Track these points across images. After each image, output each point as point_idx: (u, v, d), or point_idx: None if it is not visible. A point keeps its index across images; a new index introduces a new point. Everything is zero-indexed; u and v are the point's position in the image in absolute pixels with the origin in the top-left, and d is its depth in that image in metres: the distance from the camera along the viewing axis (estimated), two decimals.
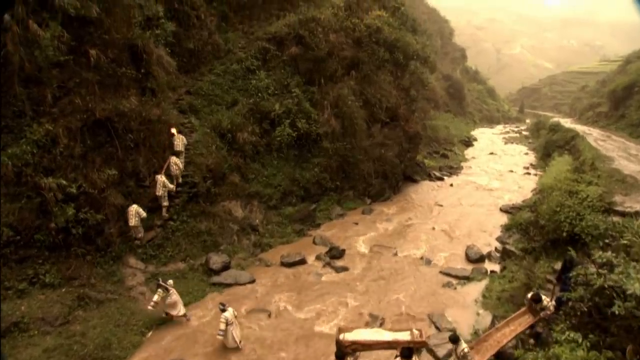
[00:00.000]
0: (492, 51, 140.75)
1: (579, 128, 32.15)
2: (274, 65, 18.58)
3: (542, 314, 8.59)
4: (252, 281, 12.55)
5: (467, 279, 12.98)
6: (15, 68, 10.09)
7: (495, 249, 15.17)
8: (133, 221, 11.75)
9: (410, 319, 10.75)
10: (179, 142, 13.76)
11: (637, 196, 12.00)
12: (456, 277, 13.08)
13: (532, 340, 8.82)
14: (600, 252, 7.27)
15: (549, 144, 30.57)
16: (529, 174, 28.16)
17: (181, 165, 13.60)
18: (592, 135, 27.41)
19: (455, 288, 12.48)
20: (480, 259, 14.39)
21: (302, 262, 13.90)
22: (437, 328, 10.29)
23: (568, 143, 26.47)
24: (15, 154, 9.94)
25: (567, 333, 6.71)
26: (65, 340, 8.99)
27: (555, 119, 43.07)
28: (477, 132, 50.06)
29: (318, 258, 14.22)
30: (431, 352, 9.24)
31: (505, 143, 44.18)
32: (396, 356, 7.54)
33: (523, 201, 19.90)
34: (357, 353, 7.80)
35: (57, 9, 10.52)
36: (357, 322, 10.47)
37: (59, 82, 11.01)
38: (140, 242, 12.28)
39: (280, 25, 19.12)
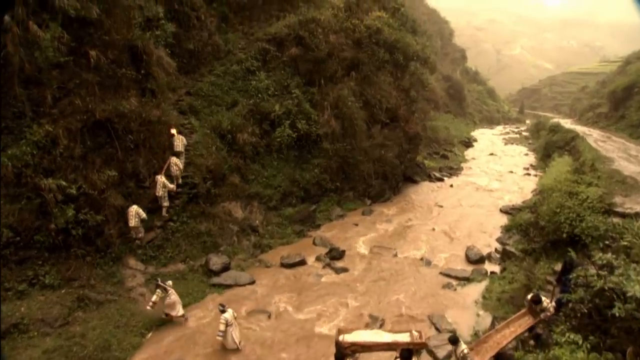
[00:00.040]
0: (492, 52, 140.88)
1: (579, 129, 32.19)
2: (274, 66, 18.59)
3: (542, 316, 8.59)
4: (252, 282, 12.54)
5: (467, 280, 12.97)
6: (15, 69, 10.09)
7: (495, 250, 15.16)
8: (133, 222, 11.74)
9: (410, 320, 10.74)
10: (179, 142, 13.76)
11: (637, 197, 11.99)
12: (456, 278, 13.08)
13: (532, 342, 8.81)
14: (601, 254, 7.27)
15: (549, 145, 30.59)
16: (529, 174, 28.16)
17: (181, 166, 13.60)
18: (592, 136, 27.45)
19: (455, 289, 12.47)
20: (480, 260, 14.38)
21: (302, 263, 13.89)
22: (437, 329, 10.28)
23: (568, 144, 26.49)
24: (15, 155, 9.93)
25: (567, 335, 6.71)
26: (65, 342, 8.97)
27: (555, 120, 43.12)
28: (477, 133, 50.07)
29: (318, 259, 14.21)
30: (431, 353, 9.23)
31: (505, 144, 44.20)
32: (396, 358, 7.53)
33: (523, 202, 19.89)
34: (357, 354, 7.80)
35: (57, 10, 10.53)
36: (357, 323, 10.46)
37: (59, 83, 11.02)
38: (140, 242, 12.27)
39: (280, 26, 19.14)
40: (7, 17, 9.59)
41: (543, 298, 8.67)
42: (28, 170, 10.10)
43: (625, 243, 8.56)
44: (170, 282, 10.45)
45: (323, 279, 13.03)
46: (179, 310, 10.28)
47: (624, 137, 27.07)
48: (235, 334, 9.34)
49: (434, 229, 17.53)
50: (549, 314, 8.49)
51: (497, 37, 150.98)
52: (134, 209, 11.77)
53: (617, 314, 5.95)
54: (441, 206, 20.82)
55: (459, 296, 12.06)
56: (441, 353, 9.11)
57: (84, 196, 10.86)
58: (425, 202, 21.69)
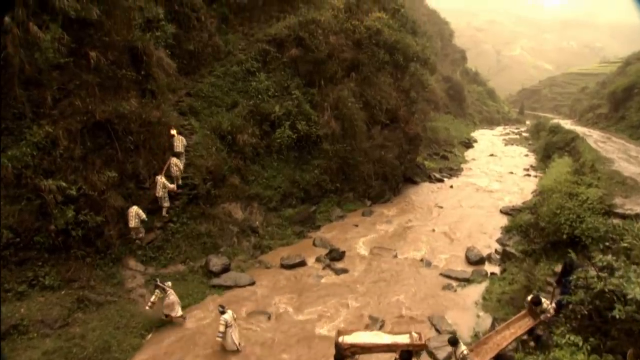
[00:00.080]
0: (492, 53, 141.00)
1: (579, 129, 32.21)
2: (274, 67, 18.60)
3: (542, 317, 8.58)
4: (252, 283, 12.54)
5: (467, 281, 12.96)
6: (15, 70, 10.09)
7: (496, 251, 15.14)
8: (133, 223, 11.75)
9: (411, 321, 10.73)
10: (179, 143, 13.76)
11: (638, 198, 11.99)
12: (456, 279, 13.06)
13: (532, 343, 8.80)
14: (601, 256, 7.27)
15: (549, 146, 30.61)
16: (529, 175, 28.16)
17: (181, 167, 13.60)
18: (592, 136, 27.46)
19: (455, 290, 12.46)
20: (481, 261, 14.37)
21: (302, 264, 13.88)
22: (437, 330, 10.27)
23: (568, 145, 26.50)
24: (15, 156, 9.92)
25: (567, 336, 6.71)
26: (65, 343, 8.96)
27: (555, 121, 43.15)
28: (477, 134, 50.10)
29: (318, 260, 14.20)
30: (431, 354, 9.22)
31: (505, 144, 44.22)
32: (395, 359, 7.53)
33: (523, 203, 19.88)
34: (357, 356, 7.78)
35: (58, 11, 10.53)
36: (357, 324, 10.45)
37: (59, 84, 11.01)
38: (140, 243, 12.28)
39: (281, 27, 19.15)
40: (7, 19, 9.59)
41: (543, 299, 8.67)
42: (28, 171, 10.10)
43: (626, 244, 8.56)
44: (169, 283, 10.45)
45: (323, 280, 13.03)
46: (178, 311, 10.27)
47: (624, 138, 27.09)
48: (234, 335, 9.34)
49: (434, 230, 17.52)
50: (549, 315, 8.48)
51: (497, 38, 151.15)
52: (134, 209, 11.78)
53: (617, 316, 5.94)
54: (441, 207, 20.82)
55: (459, 297, 12.05)
56: (441, 354, 9.10)
57: (84, 197, 10.85)
58: (426, 203, 21.68)
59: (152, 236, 12.59)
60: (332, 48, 19.25)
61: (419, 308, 11.39)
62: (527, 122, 66.96)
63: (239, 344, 9.40)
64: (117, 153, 12.01)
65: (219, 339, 9.23)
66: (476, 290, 12.31)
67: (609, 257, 7.08)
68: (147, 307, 10.18)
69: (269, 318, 10.83)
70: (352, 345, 7.54)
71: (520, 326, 8.76)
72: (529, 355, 7.53)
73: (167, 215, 13.06)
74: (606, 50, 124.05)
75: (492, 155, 36.67)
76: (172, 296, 10.16)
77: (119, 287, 11.11)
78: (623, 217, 10.86)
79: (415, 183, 24.78)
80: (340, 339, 7.61)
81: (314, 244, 15.57)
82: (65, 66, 10.96)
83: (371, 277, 13.24)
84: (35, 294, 9.81)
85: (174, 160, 13.36)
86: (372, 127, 21.07)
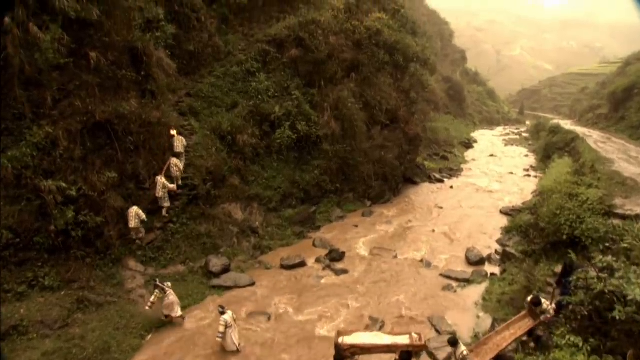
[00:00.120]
0: (492, 53, 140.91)
1: (579, 130, 32.19)
2: (274, 67, 18.60)
3: (542, 318, 8.57)
4: (252, 284, 12.53)
5: (467, 281, 12.95)
6: (15, 71, 10.10)
7: (496, 251, 15.14)
8: (133, 223, 11.75)
9: (411, 322, 10.73)
10: (179, 143, 13.76)
11: (638, 199, 11.99)
12: (456, 279, 13.06)
13: (532, 344, 8.80)
14: (601, 256, 7.27)
15: (549, 146, 30.61)
16: (529, 176, 28.16)
17: (181, 167, 13.60)
18: (592, 137, 27.45)
19: (455, 291, 12.45)
20: (481, 261, 14.36)
21: (302, 264, 13.88)
22: (437, 331, 10.26)
23: (568, 145, 26.49)
24: (15, 156, 9.93)
25: (567, 337, 6.71)
26: (65, 344, 8.95)
27: (555, 121, 43.14)
28: (477, 134, 50.09)
29: (318, 260, 14.20)
30: (431, 355, 9.22)
31: (506, 145, 44.22)
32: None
33: (523, 203, 19.88)
34: (356, 357, 7.77)
35: (58, 11, 10.52)
36: (357, 324, 10.45)
37: (59, 84, 11.01)
38: (141, 242, 12.29)
39: (281, 27, 19.15)
40: (7, 19, 9.60)
41: (543, 300, 8.66)
42: (28, 171, 10.10)
43: (626, 245, 8.56)
44: (169, 284, 10.46)
45: (323, 281, 13.03)
46: (178, 311, 10.28)
47: (624, 139, 27.08)
48: (234, 335, 9.34)
49: (434, 231, 17.52)
50: (549, 316, 8.48)
51: (497, 38, 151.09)
52: (134, 210, 11.79)
53: (617, 317, 5.94)
54: (441, 207, 20.81)
55: (459, 298, 12.05)
56: (441, 355, 9.10)
57: (84, 198, 10.85)
58: (426, 203, 21.68)
59: (152, 237, 12.59)
60: (332, 48, 19.25)
61: (419, 309, 11.39)
62: (527, 123, 66.94)
63: (239, 345, 9.40)
64: (117, 154, 12.01)
65: (219, 340, 9.24)
66: (476, 291, 12.31)
67: (609, 258, 7.08)
68: (146, 307, 10.21)
69: (269, 319, 10.83)
70: (352, 346, 7.53)
71: (520, 327, 8.75)
72: (529, 356, 7.53)
73: (167, 215, 13.06)
74: (606, 51, 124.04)
75: (492, 155, 36.67)
76: (172, 296, 10.17)
77: (118, 288, 11.11)
78: (623, 217, 10.86)
79: (415, 183, 24.78)
80: (340, 340, 7.60)
81: (314, 245, 15.57)
82: (65, 67, 10.96)
83: (371, 277, 13.23)
84: (35, 294, 9.80)
85: (174, 160, 13.37)
86: (372, 127, 21.06)
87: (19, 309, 9.29)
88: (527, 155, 36.91)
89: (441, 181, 26.25)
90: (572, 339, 6.59)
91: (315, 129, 18.14)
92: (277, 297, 11.87)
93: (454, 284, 12.82)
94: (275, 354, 9.43)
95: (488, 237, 16.83)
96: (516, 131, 56.60)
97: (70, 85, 11.20)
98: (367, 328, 10.18)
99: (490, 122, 65.28)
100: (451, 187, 25.12)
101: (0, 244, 9.61)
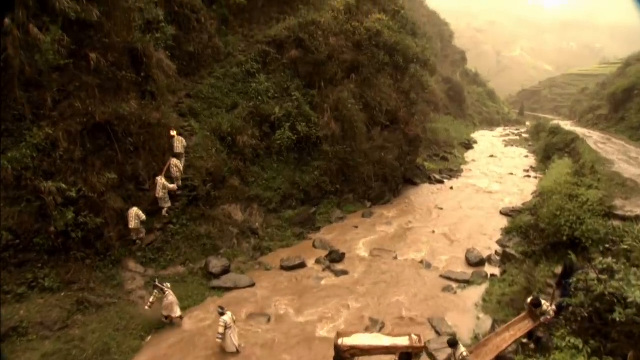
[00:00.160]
0: (492, 54, 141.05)
1: (579, 131, 32.21)
2: (274, 68, 18.60)
3: (542, 319, 8.55)
4: (252, 285, 12.53)
5: (467, 282, 12.94)
6: (15, 72, 10.09)
7: (496, 252, 15.13)
8: (133, 224, 11.76)
9: (411, 323, 10.72)
10: (179, 144, 13.76)
11: (638, 200, 11.98)
12: (456, 280, 13.05)
13: (532, 345, 8.79)
14: (601, 258, 7.27)
15: (549, 147, 30.60)
16: (529, 176, 28.16)
17: (181, 167, 13.60)
18: (592, 138, 27.45)
19: (455, 292, 12.44)
20: (481, 262, 14.35)
21: (302, 265, 13.88)
22: (437, 332, 10.25)
23: (568, 146, 26.49)
24: (15, 157, 9.92)
25: (567, 339, 6.70)
26: (64, 345, 8.94)
27: (555, 122, 43.19)
28: (477, 135, 50.11)
29: (318, 262, 14.19)
30: (431, 356, 9.21)
31: (506, 146, 44.23)
32: None
33: (523, 204, 19.87)
34: (356, 358, 7.77)
35: (58, 12, 10.53)
36: (357, 326, 10.44)
37: (59, 85, 11.00)
38: (141, 242, 12.30)
39: (280, 28, 19.16)
40: (7, 20, 9.59)
41: (543, 301, 8.64)
42: (28, 173, 10.09)
43: (626, 247, 8.55)
44: (168, 284, 10.45)
45: (323, 282, 13.02)
46: (177, 311, 10.28)
47: (624, 139, 27.08)
48: (234, 336, 9.34)
49: (434, 232, 17.51)
50: (549, 317, 8.46)
51: (497, 39, 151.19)
52: (134, 210, 11.80)
53: (617, 319, 5.93)
54: (441, 208, 20.81)
55: (459, 299, 12.04)
56: (441, 356, 9.08)
57: (84, 199, 10.85)
58: (425, 204, 21.68)
59: (151, 238, 12.60)
60: (332, 49, 19.25)
61: (419, 310, 11.38)
62: (527, 123, 66.98)
63: (239, 346, 9.40)
64: (117, 155, 12.01)
65: (219, 341, 9.25)
66: (476, 292, 12.30)
67: (609, 259, 7.09)
68: (146, 307, 10.23)
69: (269, 320, 10.83)
70: (352, 348, 7.53)
71: (520, 328, 8.73)
72: (529, 357, 7.54)
73: (167, 215, 13.08)
74: (606, 51, 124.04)
75: (492, 156, 36.68)
76: (171, 297, 10.17)
77: (118, 289, 11.11)
78: (623, 219, 10.84)
79: (415, 184, 24.78)
80: (340, 341, 7.60)
81: (314, 246, 15.57)
82: (65, 68, 10.95)
83: (371, 278, 13.22)
84: (34, 295, 9.80)
85: (174, 161, 13.37)
86: (372, 128, 21.07)
87: (18, 310, 9.28)
88: (527, 156, 36.93)
89: (441, 182, 26.25)
90: (573, 340, 6.58)
91: (315, 130, 18.15)
92: (277, 298, 11.86)
93: (454, 285, 12.81)
94: (275, 355, 9.42)
95: (488, 238, 16.82)
96: (516, 132, 56.64)
97: (70, 87, 11.20)
98: (367, 329, 10.18)
99: (490, 123, 65.31)
100: (451, 188, 25.12)
101: (0, 245, 9.60)
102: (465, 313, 11.24)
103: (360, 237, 16.64)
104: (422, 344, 7.62)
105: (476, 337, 9.81)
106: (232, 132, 16.02)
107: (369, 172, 20.51)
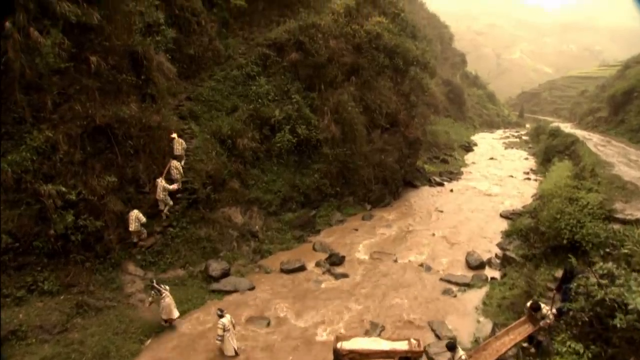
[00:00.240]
0: (492, 56, 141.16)
1: (579, 133, 32.20)
2: (274, 71, 18.63)
3: (542, 323, 8.53)
4: (252, 288, 12.51)
5: (467, 285, 12.92)
6: (16, 75, 10.12)
7: (496, 255, 15.11)
8: (133, 226, 11.77)
9: (411, 327, 10.71)
10: (179, 146, 13.79)
11: (638, 203, 11.96)
12: (456, 284, 13.03)
13: (533, 350, 8.76)
14: (601, 263, 7.24)
15: (549, 149, 30.59)
16: (529, 179, 28.13)
17: (181, 169, 13.60)
18: (592, 140, 27.44)
19: (455, 295, 12.42)
20: (481, 265, 14.33)
21: (302, 268, 13.86)
22: (437, 336, 10.23)
23: (568, 148, 26.48)
24: (15, 160, 9.95)
25: (568, 343, 6.68)
26: (63, 349, 8.93)
27: (555, 124, 43.17)
28: (477, 137, 50.10)
29: (318, 265, 14.17)
30: None
31: (506, 148, 44.21)
32: None
33: (523, 207, 19.85)
34: None
35: (59, 16, 10.57)
36: (357, 329, 10.43)
37: (60, 88, 11.04)
38: (143, 244, 12.30)
39: (281, 31, 19.19)
40: (8, 24, 9.66)
41: (542, 305, 8.62)
42: (28, 175, 10.11)
43: (626, 251, 8.54)
44: (167, 287, 10.44)
45: (323, 285, 13.00)
46: (174, 313, 10.25)
47: (623, 142, 27.07)
48: (232, 339, 9.32)
49: (434, 234, 17.50)
50: (548, 321, 8.43)
51: (497, 42, 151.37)
52: (134, 213, 11.82)
53: (618, 325, 5.91)
54: (441, 211, 20.79)
55: (459, 302, 12.02)
56: None
57: (84, 202, 10.87)
58: (426, 207, 21.66)
59: (151, 241, 12.59)
60: (332, 52, 19.28)
61: (419, 313, 11.36)
62: (527, 126, 66.94)
63: (238, 349, 9.38)
64: (117, 157, 12.03)
65: (218, 342, 9.25)
66: (476, 295, 12.28)
67: (610, 264, 7.06)
68: (146, 305, 10.40)
69: (269, 323, 10.80)
70: (351, 352, 7.52)
71: (519, 332, 8.71)
72: None
73: (168, 213, 13.09)
74: (606, 54, 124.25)
75: (492, 158, 36.66)
76: (168, 298, 10.14)
77: (118, 292, 11.10)
78: (623, 222, 10.81)
79: (415, 187, 24.76)
80: (339, 345, 7.59)
81: (313, 249, 15.55)
82: (65, 71, 10.99)
83: (371, 281, 13.20)
84: (34, 299, 9.81)
85: (174, 163, 13.39)
86: (372, 131, 21.07)
87: (17, 314, 9.28)
88: (527, 159, 36.91)
89: (441, 184, 26.23)
90: (573, 345, 6.56)
91: (315, 133, 18.16)
92: (277, 301, 11.84)
93: (454, 288, 12.79)
94: (275, 358, 9.40)
95: (488, 240, 16.80)
96: (516, 134, 56.60)
97: (70, 89, 11.23)
98: (367, 333, 10.17)
99: (490, 125, 65.32)
100: (451, 190, 25.09)
101: (0, 248, 9.58)
102: (466, 316, 11.22)
103: (360, 239, 16.62)
104: (421, 349, 7.62)
105: (476, 341, 9.79)
106: (232, 134, 16.02)
107: (369, 174, 20.50)
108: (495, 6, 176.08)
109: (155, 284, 10.25)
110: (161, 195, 12.78)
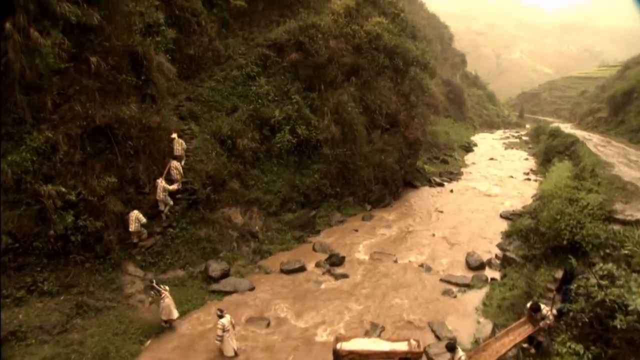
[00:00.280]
0: (492, 56, 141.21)
1: (579, 133, 32.19)
2: (274, 71, 18.63)
3: (541, 324, 8.52)
4: (252, 289, 12.51)
5: (467, 286, 12.92)
6: (16, 75, 10.10)
7: (496, 256, 15.11)
8: (133, 227, 11.77)
9: (411, 327, 10.70)
10: (179, 146, 13.79)
11: (638, 204, 11.93)
12: (456, 284, 13.02)
13: (533, 350, 8.75)
14: (602, 264, 7.23)
15: (549, 150, 30.60)
16: (529, 179, 28.13)
17: (181, 170, 13.60)
18: (592, 140, 27.42)
19: (455, 296, 12.42)
20: (481, 266, 14.33)
21: (302, 269, 13.86)
22: (437, 337, 10.23)
23: (568, 148, 26.48)
24: (15, 161, 9.94)
25: (568, 344, 6.67)
26: (63, 350, 8.92)
27: (555, 124, 43.18)
28: (477, 138, 50.13)
29: (318, 265, 14.17)
30: None
31: (506, 148, 44.21)
32: None
33: (523, 207, 19.83)
34: None
35: (59, 16, 10.56)
36: (357, 330, 10.43)
37: (60, 89, 11.03)
38: (142, 243, 12.30)
39: (281, 31, 19.20)
40: (8, 24, 9.64)
41: (542, 306, 8.61)
42: (28, 176, 10.10)
43: (626, 252, 8.52)
44: (166, 287, 10.43)
45: (323, 286, 12.99)
46: (174, 314, 10.25)
47: (623, 142, 27.06)
48: (232, 340, 9.32)
49: (434, 235, 17.49)
50: (548, 322, 8.43)
51: (496, 42, 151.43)
52: (134, 213, 11.81)
53: (618, 326, 5.90)
54: (441, 211, 20.79)
55: (459, 303, 12.01)
56: None
57: (84, 202, 10.86)
58: (425, 207, 21.66)
59: (151, 241, 12.58)
60: (332, 52, 19.28)
61: (419, 314, 11.35)
62: (527, 126, 66.97)
63: (237, 349, 9.37)
64: (117, 158, 12.02)
65: (218, 343, 9.24)
66: (476, 296, 12.27)
67: (610, 265, 7.06)
68: (146, 306, 10.49)
69: (269, 324, 10.79)
70: (350, 352, 7.52)
71: (519, 333, 8.70)
72: None
73: (169, 213, 13.09)
74: (606, 54, 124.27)
75: (492, 159, 36.67)
76: (167, 299, 10.14)
77: (118, 293, 11.09)
78: (624, 223, 10.77)
79: (415, 187, 24.76)
80: (339, 346, 7.59)
81: (313, 249, 15.54)
82: (65, 71, 10.98)
83: (371, 282, 13.20)
84: (33, 299, 9.80)
85: (174, 163, 13.38)
86: (372, 131, 21.08)
87: (17, 314, 9.27)
88: (527, 159, 36.92)
89: (441, 185, 26.24)
90: (573, 346, 6.56)
91: (315, 133, 18.16)
92: (276, 301, 11.83)
93: (454, 288, 12.78)
94: (275, 359, 9.38)
95: (488, 241, 16.80)
96: (516, 134, 56.63)
97: (70, 90, 11.22)
98: (367, 333, 10.16)
99: (490, 126, 65.34)
100: (451, 190, 25.10)
101: (0, 249, 9.57)
102: (466, 317, 11.21)
103: (360, 240, 16.61)
104: (421, 349, 7.61)
105: (476, 342, 9.78)
106: (232, 135, 16.02)
107: (369, 175, 20.50)
108: (495, 6, 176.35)
109: (154, 284, 10.26)
110: (161, 196, 12.78)
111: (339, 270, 13.91)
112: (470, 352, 8.54)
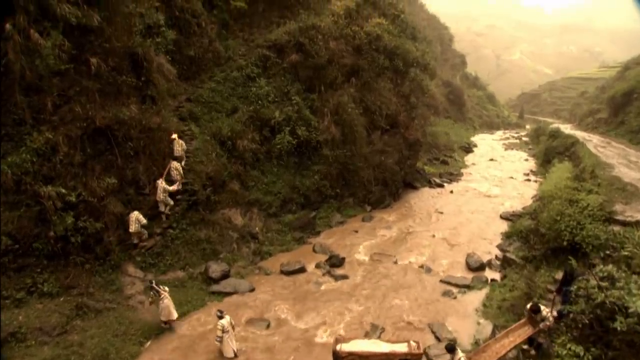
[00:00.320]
0: (492, 57, 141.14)
1: (579, 134, 32.19)
2: (274, 72, 18.63)
3: (541, 325, 8.52)
4: (252, 290, 12.50)
5: (467, 287, 12.92)
6: (16, 76, 10.12)
7: (496, 257, 15.11)
8: (133, 227, 11.77)
9: (411, 329, 10.70)
10: (179, 147, 13.80)
11: (638, 205, 11.93)
12: (456, 285, 13.02)
13: (533, 352, 8.75)
14: (602, 266, 7.22)
15: (549, 150, 30.59)
16: (529, 180, 28.13)
17: (181, 170, 13.60)
18: (592, 141, 27.42)
19: (455, 297, 12.41)
20: (481, 267, 14.33)
21: (302, 270, 13.85)
22: (437, 338, 10.22)
23: (568, 149, 26.47)
24: (15, 162, 9.94)
25: (568, 346, 6.66)
26: (63, 351, 8.92)
27: (555, 125, 43.17)
28: (477, 138, 50.11)
29: (318, 266, 14.17)
30: None
31: (506, 149, 44.20)
32: None
33: (523, 208, 19.83)
34: None
35: (59, 18, 10.57)
36: (357, 331, 10.42)
37: (60, 90, 11.03)
38: (143, 244, 12.30)
39: (281, 32, 19.21)
40: (8, 25, 9.66)
41: (542, 307, 8.61)
42: (28, 177, 10.10)
43: (626, 253, 8.51)
44: (166, 288, 10.43)
45: (323, 287, 12.99)
46: (173, 315, 10.24)
47: (623, 143, 27.04)
48: (231, 341, 9.31)
49: (434, 236, 17.49)
50: (548, 323, 8.43)
51: (496, 43, 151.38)
52: (135, 214, 11.82)
53: (618, 328, 5.89)
54: (441, 212, 20.79)
55: (459, 304, 12.01)
56: None
57: (84, 203, 10.86)
58: (426, 208, 21.66)
59: (151, 242, 12.58)
60: (332, 54, 19.29)
61: (419, 315, 11.35)
62: (527, 127, 66.92)
63: (237, 350, 9.37)
64: (117, 159, 12.03)
65: (218, 343, 9.23)
66: (476, 297, 12.27)
67: (610, 266, 7.05)
68: (146, 307, 10.47)
69: (269, 325, 10.80)
70: (350, 354, 7.52)
71: (519, 334, 8.70)
72: None
73: (169, 213, 13.09)
74: (605, 55, 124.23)
75: (492, 159, 36.67)
76: (166, 300, 10.14)
77: (118, 294, 11.09)
78: (624, 224, 10.77)
79: (415, 188, 24.76)
80: (338, 347, 7.59)
81: (313, 250, 15.54)
82: (65, 72, 10.98)
83: (371, 283, 13.19)
84: (33, 301, 9.80)
85: (174, 164, 13.39)
86: (372, 132, 21.09)
87: (17, 316, 9.27)
88: (527, 160, 36.92)
89: (441, 186, 26.24)
90: (573, 347, 6.55)
91: (315, 134, 18.16)
92: (277, 303, 11.83)
93: (454, 289, 12.78)
94: None
95: (488, 242, 16.80)
96: (516, 135, 56.61)
97: (70, 91, 11.23)
98: (367, 334, 10.15)
99: (490, 126, 65.32)
100: (451, 191, 25.11)
101: (0, 250, 9.57)
102: (466, 318, 11.21)
103: (360, 241, 16.61)
104: (421, 351, 7.61)
105: (476, 343, 9.77)
106: (232, 136, 16.03)
107: (369, 176, 20.51)
108: (495, 7, 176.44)
109: (154, 285, 10.26)
110: (161, 197, 12.78)
111: (339, 271, 13.91)
112: (470, 353, 8.54)
